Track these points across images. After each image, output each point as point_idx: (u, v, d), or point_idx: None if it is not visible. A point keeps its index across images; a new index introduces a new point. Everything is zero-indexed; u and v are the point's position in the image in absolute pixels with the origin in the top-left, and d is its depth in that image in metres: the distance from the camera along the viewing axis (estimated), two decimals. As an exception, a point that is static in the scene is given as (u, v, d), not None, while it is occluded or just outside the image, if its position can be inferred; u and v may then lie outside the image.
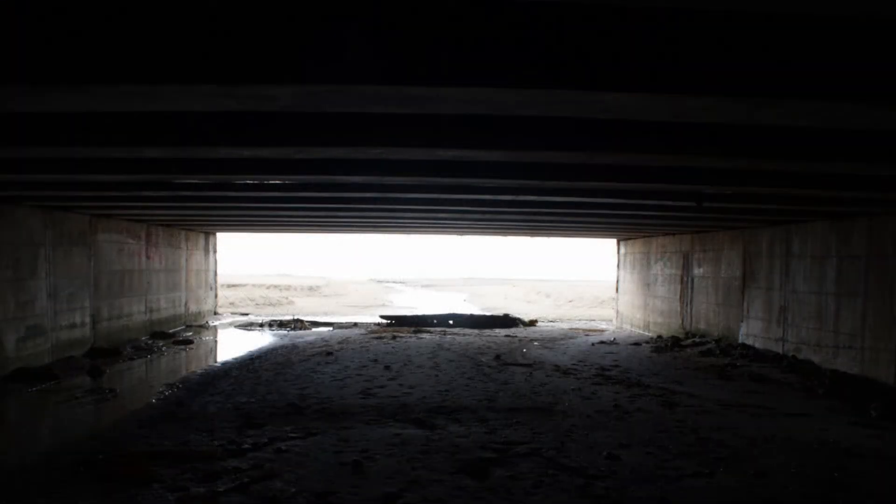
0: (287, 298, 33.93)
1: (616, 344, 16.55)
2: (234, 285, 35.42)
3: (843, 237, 11.00)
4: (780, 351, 12.72)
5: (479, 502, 5.41)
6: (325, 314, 25.32)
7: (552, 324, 22.91)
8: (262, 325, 19.84)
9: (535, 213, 11.86)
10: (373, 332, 18.42)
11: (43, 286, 11.53)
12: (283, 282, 44.86)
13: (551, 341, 16.90)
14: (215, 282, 22.87)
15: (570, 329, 20.72)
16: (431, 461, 6.39)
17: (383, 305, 32.35)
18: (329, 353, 13.56)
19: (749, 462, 6.51)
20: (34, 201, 10.82)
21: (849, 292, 10.83)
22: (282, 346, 14.89)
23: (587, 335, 18.86)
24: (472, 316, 22.73)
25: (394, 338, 16.66)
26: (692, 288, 16.65)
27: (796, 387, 10.54)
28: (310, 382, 10.36)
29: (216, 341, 16.86)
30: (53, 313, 11.87)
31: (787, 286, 12.61)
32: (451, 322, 21.25)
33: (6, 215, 10.51)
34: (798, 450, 6.97)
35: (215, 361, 13.27)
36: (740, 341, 14.20)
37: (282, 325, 19.91)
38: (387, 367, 11.92)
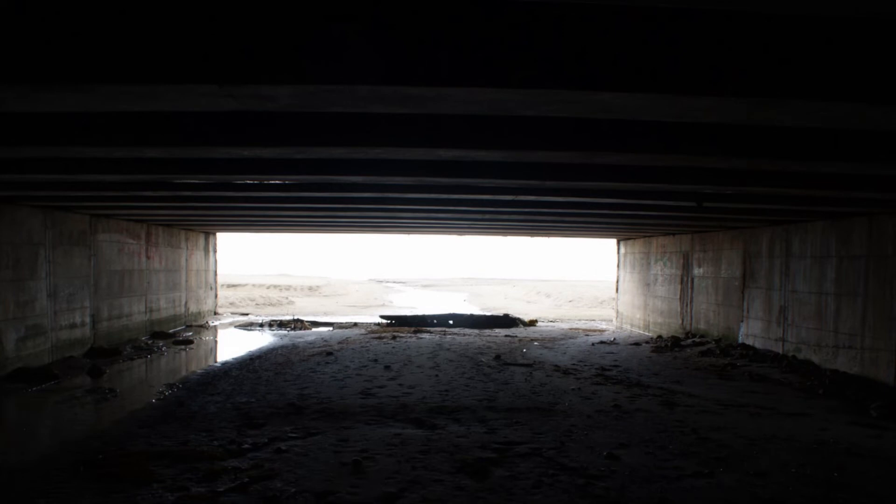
0: (287, 298, 33.96)
1: (616, 344, 16.55)
2: (234, 285, 35.46)
3: (843, 237, 11.00)
4: (780, 351, 12.72)
5: (479, 502, 5.41)
6: (325, 314, 25.33)
7: (552, 324, 22.92)
8: (262, 325, 19.87)
9: (535, 213, 11.86)
10: (373, 332, 18.43)
11: (43, 286, 11.53)
12: (283, 282, 44.91)
13: (551, 341, 16.90)
14: (215, 282, 22.88)
15: (570, 329, 20.72)
16: (431, 461, 6.39)
17: (383, 305, 32.36)
18: (329, 353, 13.56)
19: (749, 462, 6.52)
20: (34, 201, 10.82)
21: (849, 292, 10.83)
22: (282, 346, 14.89)
23: (587, 335, 18.87)
24: (472, 316, 22.74)
25: (394, 338, 16.66)
26: (692, 288, 16.66)
27: (796, 387, 10.54)
28: (310, 382, 10.36)
29: (216, 341, 16.86)
30: (53, 313, 11.88)
31: (787, 286, 12.61)
32: (451, 322, 21.26)
33: (6, 215, 10.51)
34: (798, 450, 6.98)
35: (215, 361, 13.27)
36: (740, 341, 14.20)
37: (282, 325, 19.94)
38: (387, 367, 11.92)
